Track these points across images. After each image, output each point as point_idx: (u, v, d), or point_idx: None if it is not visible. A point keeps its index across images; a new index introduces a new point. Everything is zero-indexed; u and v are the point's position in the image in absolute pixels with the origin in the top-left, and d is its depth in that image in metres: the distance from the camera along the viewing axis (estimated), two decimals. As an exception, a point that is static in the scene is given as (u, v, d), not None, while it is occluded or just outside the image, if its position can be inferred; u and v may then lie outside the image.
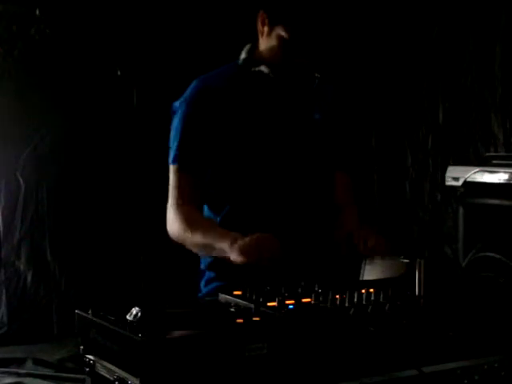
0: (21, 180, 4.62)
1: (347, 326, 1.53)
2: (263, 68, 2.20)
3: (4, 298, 4.60)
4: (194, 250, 2.21)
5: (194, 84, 2.25)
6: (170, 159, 2.23)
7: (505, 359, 1.65)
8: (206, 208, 2.28)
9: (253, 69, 2.22)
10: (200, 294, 2.27)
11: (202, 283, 2.29)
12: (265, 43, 2.22)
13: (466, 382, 1.59)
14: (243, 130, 2.19)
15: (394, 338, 1.55)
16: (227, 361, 1.39)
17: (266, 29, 2.19)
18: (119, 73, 4.78)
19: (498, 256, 3.35)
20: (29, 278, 4.65)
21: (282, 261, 1.92)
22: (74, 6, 4.66)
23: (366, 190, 5.15)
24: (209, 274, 2.27)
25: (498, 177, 3.48)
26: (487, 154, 4.00)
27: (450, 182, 3.74)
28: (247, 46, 2.29)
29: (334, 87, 2.39)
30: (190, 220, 2.16)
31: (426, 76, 4.73)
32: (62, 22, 4.64)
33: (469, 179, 3.61)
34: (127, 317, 1.49)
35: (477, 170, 3.59)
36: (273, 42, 2.19)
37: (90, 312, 1.58)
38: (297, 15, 2.14)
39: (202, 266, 2.29)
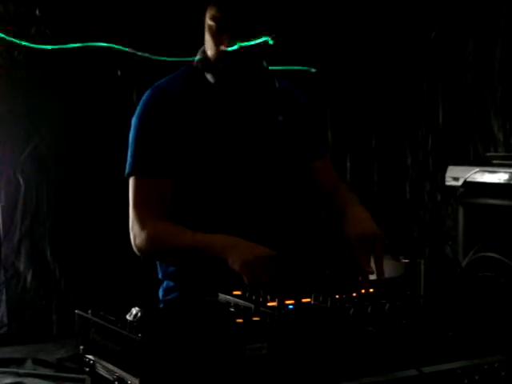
0: (21, 180, 4.62)
1: (347, 325, 1.52)
2: (209, 77, 2.07)
3: (4, 298, 4.60)
4: (172, 261, 2.09)
5: (147, 93, 2.12)
6: (126, 170, 2.06)
7: (505, 359, 1.65)
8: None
9: (205, 73, 2.08)
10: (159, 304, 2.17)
11: (161, 292, 2.19)
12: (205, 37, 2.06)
13: (466, 382, 1.59)
14: (204, 137, 2.05)
15: (394, 338, 1.55)
16: (227, 361, 1.39)
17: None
18: (119, 73, 4.78)
19: (498, 256, 3.36)
20: (29, 278, 4.65)
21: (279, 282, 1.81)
22: (74, 6, 4.66)
23: (366, 189, 5.16)
24: (168, 283, 2.16)
25: (498, 177, 3.48)
26: (487, 154, 4.01)
27: (449, 182, 3.74)
28: (203, 46, 2.13)
29: (288, 82, 2.26)
30: (168, 227, 2.02)
31: (426, 76, 4.73)
32: (62, 22, 4.64)
33: (469, 179, 3.61)
34: (127, 317, 1.49)
35: (477, 169, 3.59)
36: (207, 31, 2.04)
37: (89, 312, 1.58)
38: None
39: (160, 276, 2.19)
